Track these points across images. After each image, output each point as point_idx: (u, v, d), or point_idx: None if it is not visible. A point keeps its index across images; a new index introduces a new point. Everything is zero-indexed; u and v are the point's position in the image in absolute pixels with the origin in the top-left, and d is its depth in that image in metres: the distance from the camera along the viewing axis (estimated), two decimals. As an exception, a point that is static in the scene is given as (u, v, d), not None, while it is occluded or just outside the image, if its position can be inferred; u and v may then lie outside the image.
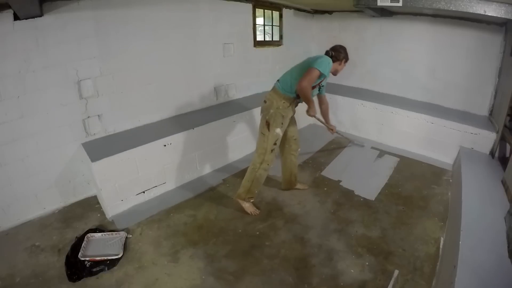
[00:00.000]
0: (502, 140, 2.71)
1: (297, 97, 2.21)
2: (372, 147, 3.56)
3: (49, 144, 2.29)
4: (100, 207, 2.44)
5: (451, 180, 2.84)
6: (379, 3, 2.81)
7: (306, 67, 2.11)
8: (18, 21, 1.96)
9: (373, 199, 2.57)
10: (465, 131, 2.97)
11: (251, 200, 2.37)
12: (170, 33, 2.79)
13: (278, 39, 4.05)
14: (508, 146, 2.68)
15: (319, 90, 2.38)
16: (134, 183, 2.42)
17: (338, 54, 2.25)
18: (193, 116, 3.06)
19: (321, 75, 2.09)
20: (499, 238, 1.67)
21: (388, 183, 2.81)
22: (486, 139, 2.84)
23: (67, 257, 1.89)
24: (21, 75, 2.05)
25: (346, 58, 2.30)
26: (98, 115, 2.51)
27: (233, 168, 3.05)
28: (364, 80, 4.18)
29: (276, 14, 3.91)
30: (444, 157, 3.17)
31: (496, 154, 2.76)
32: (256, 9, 3.57)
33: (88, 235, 2.06)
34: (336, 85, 4.37)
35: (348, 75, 4.31)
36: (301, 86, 2.06)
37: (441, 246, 2.03)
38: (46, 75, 2.15)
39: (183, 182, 2.77)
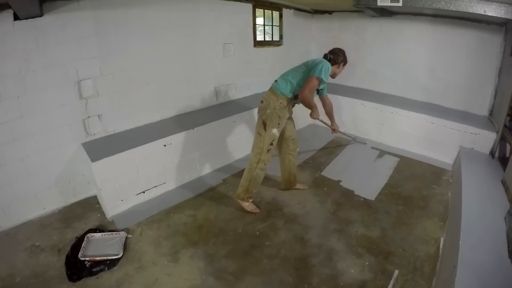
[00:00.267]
0: (502, 140, 2.71)
1: (294, 98, 2.23)
2: (372, 147, 3.56)
3: (49, 144, 2.29)
4: (100, 207, 2.44)
5: (451, 180, 2.84)
6: (379, 3, 2.81)
7: (306, 73, 2.15)
8: (18, 21, 1.96)
9: (373, 199, 2.57)
10: (465, 131, 2.97)
11: (250, 200, 2.38)
12: (170, 33, 2.79)
13: (278, 39, 4.05)
14: (508, 146, 2.68)
15: (317, 92, 2.41)
16: (134, 183, 2.42)
17: (336, 57, 2.28)
18: (193, 116, 3.06)
19: (322, 82, 2.15)
20: (499, 238, 1.67)
21: (388, 183, 2.81)
22: (486, 139, 2.84)
23: (67, 257, 1.89)
24: (21, 75, 2.05)
25: (344, 61, 2.33)
26: (98, 115, 2.51)
27: (233, 168, 3.05)
28: (364, 80, 4.18)
29: (276, 14, 3.91)
30: (444, 157, 3.17)
31: (496, 154, 2.76)
32: (256, 9, 3.57)
33: (88, 235, 2.06)
34: (336, 85, 4.36)
35: (348, 75, 4.31)
36: (303, 97, 2.11)
37: (441, 246, 2.03)
38: (46, 75, 2.15)
39: (183, 182, 2.78)
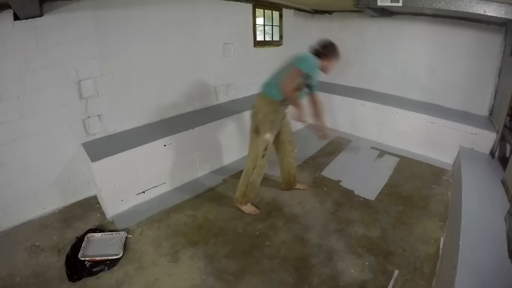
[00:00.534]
0: (502, 140, 2.71)
1: (285, 100, 2.14)
2: (372, 147, 3.56)
3: (49, 144, 2.29)
4: (100, 207, 2.44)
5: (451, 180, 2.84)
6: (379, 3, 2.81)
7: (288, 68, 2.03)
8: (18, 21, 1.95)
9: (373, 199, 2.57)
10: (465, 131, 2.97)
11: (249, 204, 2.38)
12: (170, 33, 2.79)
13: (278, 39, 4.05)
14: (508, 146, 2.68)
15: (310, 89, 2.26)
16: (134, 183, 2.42)
17: (327, 50, 2.12)
18: (193, 116, 3.06)
19: (304, 74, 2.00)
20: (499, 238, 1.67)
21: (388, 183, 2.81)
22: (486, 139, 2.84)
23: (67, 257, 1.89)
24: (21, 75, 2.05)
25: (335, 54, 2.16)
26: (98, 115, 2.51)
27: (233, 168, 3.04)
28: (364, 80, 4.18)
29: (276, 14, 3.91)
30: (444, 157, 3.17)
31: (496, 154, 2.76)
32: (256, 9, 3.57)
33: (88, 235, 2.06)
34: (336, 85, 4.38)
35: (348, 75, 4.33)
36: (284, 90, 2.00)
37: (441, 246, 2.03)
38: (46, 75, 2.15)
39: (183, 182, 2.78)
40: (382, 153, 3.41)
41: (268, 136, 2.18)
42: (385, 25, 3.74)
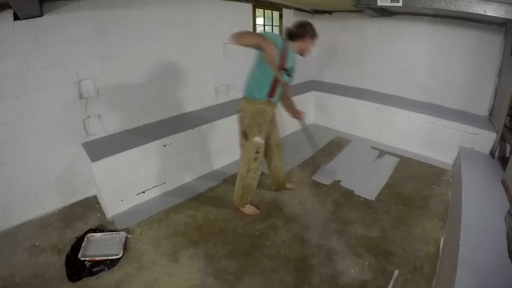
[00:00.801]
0: (502, 140, 2.71)
1: (269, 99, 2.06)
2: (372, 147, 3.56)
3: (49, 144, 2.29)
4: (100, 207, 2.44)
5: (451, 180, 2.84)
6: (379, 3, 2.81)
7: (258, 57, 1.93)
8: (18, 21, 1.95)
9: (373, 199, 2.57)
10: (465, 131, 2.97)
11: (247, 205, 2.37)
12: (170, 33, 2.79)
13: (278, 39, 4.05)
14: (508, 146, 2.68)
15: (288, 76, 2.06)
16: (134, 183, 2.42)
17: (302, 31, 1.98)
18: (193, 116, 3.06)
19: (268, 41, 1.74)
20: (499, 238, 1.67)
21: (388, 183, 2.81)
22: (486, 139, 2.84)
23: (67, 257, 1.89)
24: (21, 75, 2.05)
25: (312, 35, 2.03)
26: (98, 115, 2.51)
27: (233, 168, 3.03)
28: (364, 80, 4.18)
29: (276, 14, 3.91)
30: (444, 157, 3.17)
31: (496, 154, 2.76)
32: (256, 9, 3.57)
33: (88, 235, 2.05)
34: (336, 85, 4.38)
35: (348, 75, 4.33)
36: (232, 37, 1.75)
37: (441, 246, 2.03)
38: (46, 75, 2.15)
39: (183, 182, 2.78)
40: (382, 153, 3.41)
41: (258, 139, 2.13)
42: (385, 25, 3.74)
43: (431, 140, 3.26)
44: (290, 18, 4.05)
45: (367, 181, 2.84)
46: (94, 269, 1.81)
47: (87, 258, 1.85)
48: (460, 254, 1.53)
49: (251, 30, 1.78)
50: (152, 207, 2.44)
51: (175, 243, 2.07)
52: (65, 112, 2.32)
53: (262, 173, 2.83)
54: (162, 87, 2.88)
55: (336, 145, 3.65)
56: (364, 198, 2.58)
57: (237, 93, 3.64)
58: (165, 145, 2.53)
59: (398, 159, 3.27)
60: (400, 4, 2.63)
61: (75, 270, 1.79)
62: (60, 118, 2.30)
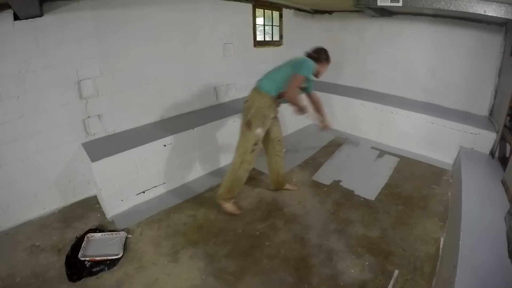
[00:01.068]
0: (502, 140, 2.71)
1: (278, 97, 2.21)
2: (372, 147, 3.56)
3: (49, 144, 2.29)
4: (100, 207, 2.44)
5: (451, 180, 2.84)
6: (379, 3, 2.81)
7: (290, 70, 2.16)
8: (18, 21, 1.95)
9: (373, 199, 2.57)
10: (465, 131, 2.97)
11: (232, 201, 2.36)
12: (170, 33, 2.79)
13: (278, 39, 4.05)
14: (508, 146, 2.68)
15: (304, 90, 2.42)
16: (134, 183, 2.42)
17: (320, 55, 2.30)
18: (193, 116, 3.06)
19: (306, 79, 2.18)
20: (499, 238, 1.67)
21: (388, 183, 2.81)
22: (486, 139, 2.84)
23: (67, 257, 1.89)
24: (21, 75, 2.05)
25: (327, 60, 2.34)
26: (98, 115, 2.51)
27: (233, 168, 3.04)
28: (364, 80, 4.18)
29: (276, 14, 3.91)
30: (444, 157, 3.17)
31: (496, 154, 2.76)
32: (256, 9, 3.57)
33: (88, 235, 2.06)
34: (336, 85, 4.38)
35: (348, 75, 4.33)
36: (289, 95, 2.11)
37: (441, 246, 2.03)
38: (46, 75, 2.15)
39: (183, 182, 2.78)
40: (382, 153, 3.41)
41: (259, 131, 2.18)
42: (385, 25, 3.74)
43: (431, 140, 3.26)
44: (290, 18, 4.06)
45: (367, 181, 2.84)
46: (94, 269, 1.81)
47: (87, 258, 1.85)
48: (460, 254, 1.53)
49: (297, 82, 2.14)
50: (152, 207, 2.44)
51: (175, 243, 2.07)
52: (65, 112, 2.32)
53: (262, 173, 2.83)
54: (162, 87, 2.88)
55: (336, 145, 3.65)
56: (364, 198, 2.58)
57: (237, 93, 3.64)
58: (165, 145, 2.53)
59: (398, 159, 3.27)
60: (400, 4, 2.63)
61: (75, 270, 1.79)
62: (60, 118, 2.30)
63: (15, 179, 2.18)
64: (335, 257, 1.95)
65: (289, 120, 3.84)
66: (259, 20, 3.72)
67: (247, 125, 2.18)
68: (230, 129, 3.06)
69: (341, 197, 2.60)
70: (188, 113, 3.14)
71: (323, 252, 2.00)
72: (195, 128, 2.72)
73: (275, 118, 2.36)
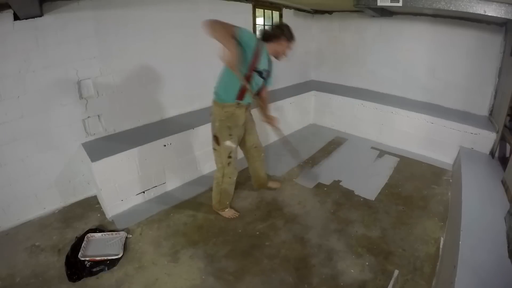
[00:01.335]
0: (502, 140, 2.71)
1: (239, 101, 2.00)
2: (372, 147, 3.56)
3: (49, 144, 2.29)
4: (100, 207, 2.44)
5: (451, 180, 2.84)
6: (379, 3, 2.81)
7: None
8: (18, 21, 1.95)
9: (373, 199, 2.57)
10: (465, 131, 2.97)
11: (226, 209, 2.34)
12: (170, 33, 2.79)
13: (278, 39, 4.04)
14: (508, 146, 2.68)
15: (264, 81, 2.06)
16: (134, 183, 2.42)
17: (275, 31, 1.94)
18: (193, 116, 3.06)
19: (239, 40, 1.76)
20: (499, 238, 1.67)
21: (388, 183, 2.81)
22: (486, 139, 2.84)
23: (67, 257, 1.89)
24: (21, 75, 2.05)
25: (287, 37, 1.95)
26: (98, 115, 2.50)
27: (233, 168, 3.04)
28: (364, 80, 4.18)
29: (276, 14, 3.91)
30: (444, 157, 3.17)
31: (496, 154, 2.76)
32: (256, 9, 3.57)
33: (88, 235, 2.05)
34: (336, 85, 4.39)
35: (348, 75, 4.34)
36: (205, 24, 1.66)
37: (441, 246, 2.03)
38: (46, 75, 2.15)
39: (183, 182, 2.78)
40: (382, 153, 3.41)
41: (229, 143, 2.08)
42: (385, 25, 3.74)
43: (431, 140, 3.26)
44: (290, 18, 4.05)
45: (367, 181, 2.84)
46: (94, 269, 1.81)
47: (87, 258, 1.85)
48: (460, 254, 1.53)
49: (230, 23, 1.74)
50: (152, 207, 2.44)
51: (175, 243, 2.07)
52: (65, 112, 2.32)
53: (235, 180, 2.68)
54: (162, 87, 2.88)
55: (336, 145, 3.65)
56: (364, 198, 2.58)
57: (237, 93, 3.63)
58: (165, 145, 2.53)
59: (398, 159, 3.27)
60: (400, 4, 2.63)
61: (75, 270, 1.79)
62: (60, 118, 2.29)
63: (15, 179, 2.18)
64: (335, 257, 1.95)
65: (289, 120, 3.85)
66: (259, 20, 3.72)
67: (215, 140, 2.10)
68: (230, 129, 3.06)
69: (341, 197, 2.60)
70: (188, 113, 3.14)
71: (323, 252, 2.00)
72: (195, 128, 2.72)
73: (249, 122, 2.23)
